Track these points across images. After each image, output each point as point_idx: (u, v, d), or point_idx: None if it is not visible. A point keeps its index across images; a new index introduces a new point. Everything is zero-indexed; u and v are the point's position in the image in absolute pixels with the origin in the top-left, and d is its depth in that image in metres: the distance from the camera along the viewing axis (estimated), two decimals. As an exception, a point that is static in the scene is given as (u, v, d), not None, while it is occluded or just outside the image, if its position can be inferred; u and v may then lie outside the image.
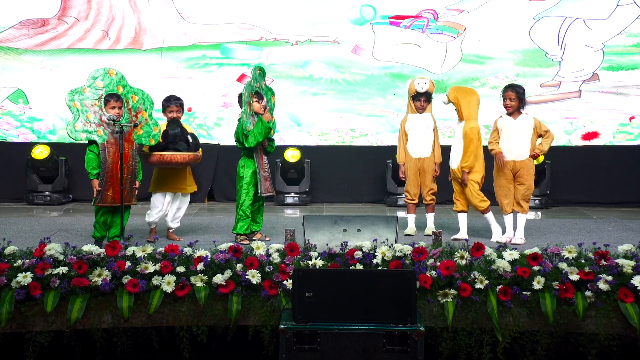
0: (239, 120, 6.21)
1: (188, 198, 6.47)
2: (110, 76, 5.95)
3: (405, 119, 6.87)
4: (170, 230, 6.41)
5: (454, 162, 6.46)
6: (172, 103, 6.26)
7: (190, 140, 6.24)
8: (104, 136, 5.86)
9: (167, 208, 6.31)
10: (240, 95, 6.31)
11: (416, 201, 6.87)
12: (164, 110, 6.29)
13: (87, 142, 5.93)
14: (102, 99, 5.88)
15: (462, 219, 6.50)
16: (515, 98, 6.25)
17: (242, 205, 6.24)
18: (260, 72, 6.31)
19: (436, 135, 6.81)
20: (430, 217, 6.85)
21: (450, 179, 6.58)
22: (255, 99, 6.20)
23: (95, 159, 5.88)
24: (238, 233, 6.25)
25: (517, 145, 6.26)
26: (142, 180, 6.12)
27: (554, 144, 7.76)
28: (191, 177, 6.42)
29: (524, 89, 6.35)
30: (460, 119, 6.43)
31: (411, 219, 6.90)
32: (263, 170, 6.26)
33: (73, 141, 6.08)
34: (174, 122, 6.21)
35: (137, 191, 6.08)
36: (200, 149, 6.40)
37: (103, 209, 5.97)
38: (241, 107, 6.25)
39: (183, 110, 6.35)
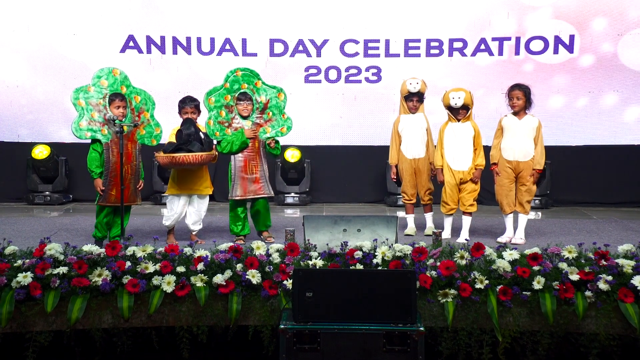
0: (206, 124, 6.18)
1: (206, 200, 6.33)
2: (114, 75, 5.96)
3: (398, 120, 6.84)
4: (193, 233, 6.33)
5: (464, 164, 6.38)
6: (187, 104, 6.20)
7: (204, 138, 6.14)
8: (108, 135, 5.87)
9: (183, 211, 6.22)
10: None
11: (414, 201, 6.86)
12: (180, 111, 6.25)
13: (90, 140, 5.93)
14: (107, 98, 5.89)
15: (466, 221, 6.49)
16: (522, 97, 6.24)
17: (230, 206, 6.28)
18: (245, 73, 6.24)
19: (430, 136, 6.78)
20: (429, 217, 6.85)
21: (446, 182, 6.47)
22: (237, 101, 6.17)
23: (99, 157, 5.89)
24: (234, 234, 6.29)
25: (520, 145, 6.25)
26: (147, 180, 6.11)
27: (554, 143, 7.74)
28: (208, 178, 6.31)
29: (530, 89, 6.34)
30: (467, 119, 6.41)
31: (410, 219, 6.89)
32: (244, 173, 6.21)
33: (73, 141, 6.08)
34: (187, 122, 6.12)
35: (141, 187, 6.08)
36: (215, 148, 6.25)
37: (106, 209, 5.96)
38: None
39: (199, 111, 6.27)
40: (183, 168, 6.09)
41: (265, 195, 6.32)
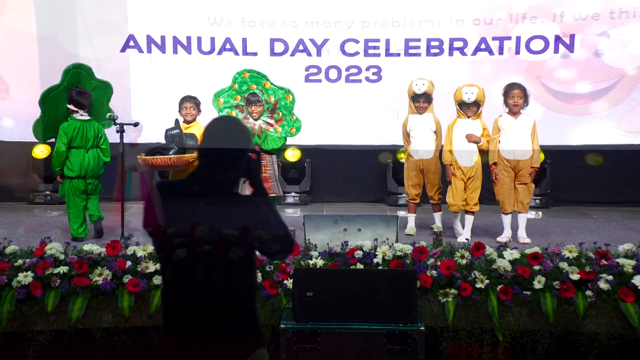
0: None
1: None
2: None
3: (407, 120, 6.83)
4: None
5: (470, 160, 6.35)
6: (188, 100, 6.27)
7: (187, 141, 6.12)
8: None
9: None
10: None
11: (417, 201, 6.84)
12: (180, 109, 6.28)
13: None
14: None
15: (469, 220, 6.47)
16: (522, 96, 6.25)
17: None
18: (252, 75, 6.26)
19: (439, 136, 6.70)
20: (437, 216, 6.71)
21: (456, 178, 6.44)
22: (248, 102, 6.16)
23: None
24: None
25: (519, 144, 6.25)
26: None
27: (554, 143, 7.71)
28: None
29: (526, 88, 6.35)
30: (477, 117, 6.40)
31: (411, 218, 6.86)
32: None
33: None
34: (176, 122, 6.13)
35: None
36: (196, 152, 6.27)
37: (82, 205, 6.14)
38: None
39: (199, 108, 6.30)
40: (166, 170, 6.18)
41: (274, 195, 6.28)
